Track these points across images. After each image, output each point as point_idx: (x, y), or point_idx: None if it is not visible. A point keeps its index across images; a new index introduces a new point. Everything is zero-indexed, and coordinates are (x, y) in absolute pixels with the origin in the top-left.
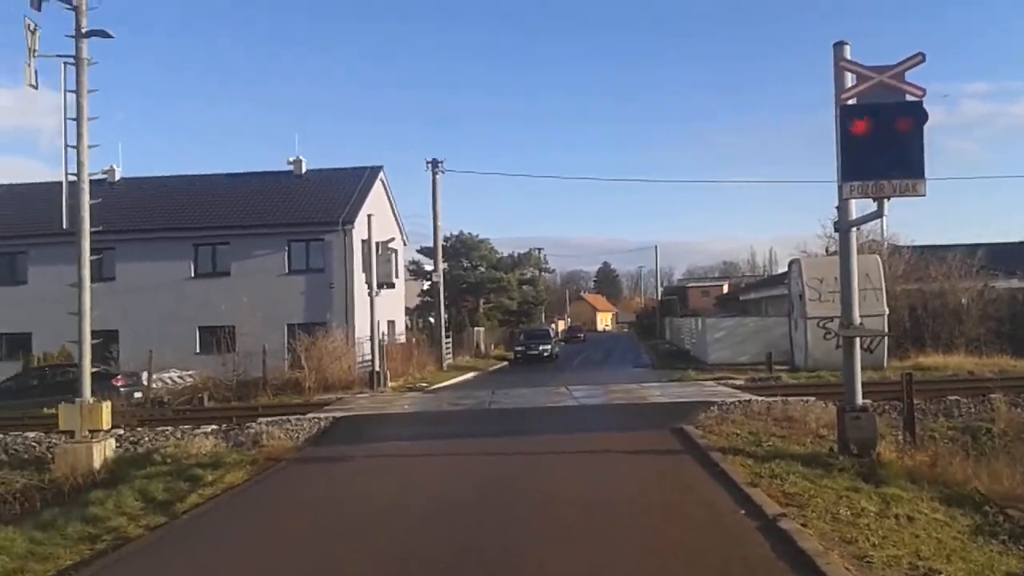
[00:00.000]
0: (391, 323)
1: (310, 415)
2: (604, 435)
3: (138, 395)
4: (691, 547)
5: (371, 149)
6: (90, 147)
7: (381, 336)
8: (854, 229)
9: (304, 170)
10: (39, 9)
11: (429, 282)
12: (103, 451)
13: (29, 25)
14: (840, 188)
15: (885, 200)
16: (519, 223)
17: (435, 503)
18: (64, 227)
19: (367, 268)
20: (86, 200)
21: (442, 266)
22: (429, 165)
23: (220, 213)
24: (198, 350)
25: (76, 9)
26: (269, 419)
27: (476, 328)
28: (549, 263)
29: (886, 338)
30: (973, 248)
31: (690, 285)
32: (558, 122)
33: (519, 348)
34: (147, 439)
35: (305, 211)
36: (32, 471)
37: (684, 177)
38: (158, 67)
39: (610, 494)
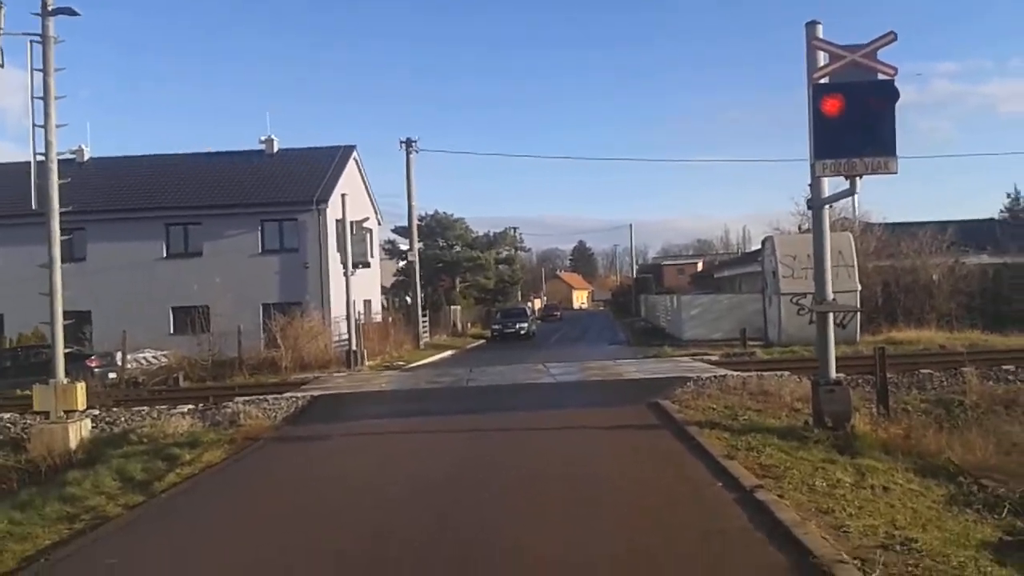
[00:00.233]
0: (367, 302)
1: (287, 394)
2: (581, 411)
3: (113, 376)
4: (669, 521)
5: (344, 129)
6: (58, 126)
7: (357, 315)
8: (827, 207)
9: (276, 149)
10: None
11: (405, 261)
12: (79, 431)
13: None
14: (813, 166)
15: (857, 178)
16: (495, 203)
17: (413, 481)
18: (33, 207)
19: (342, 247)
20: (54, 180)
21: (417, 245)
22: (403, 144)
23: (192, 193)
24: (172, 331)
25: None
26: (246, 398)
27: (453, 307)
28: (525, 242)
29: (859, 313)
30: (944, 225)
31: (665, 263)
32: (533, 104)
33: (496, 327)
34: (123, 419)
35: (278, 191)
36: (8, 451)
37: (658, 156)
38: (126, 46)
39: (588, 470)
